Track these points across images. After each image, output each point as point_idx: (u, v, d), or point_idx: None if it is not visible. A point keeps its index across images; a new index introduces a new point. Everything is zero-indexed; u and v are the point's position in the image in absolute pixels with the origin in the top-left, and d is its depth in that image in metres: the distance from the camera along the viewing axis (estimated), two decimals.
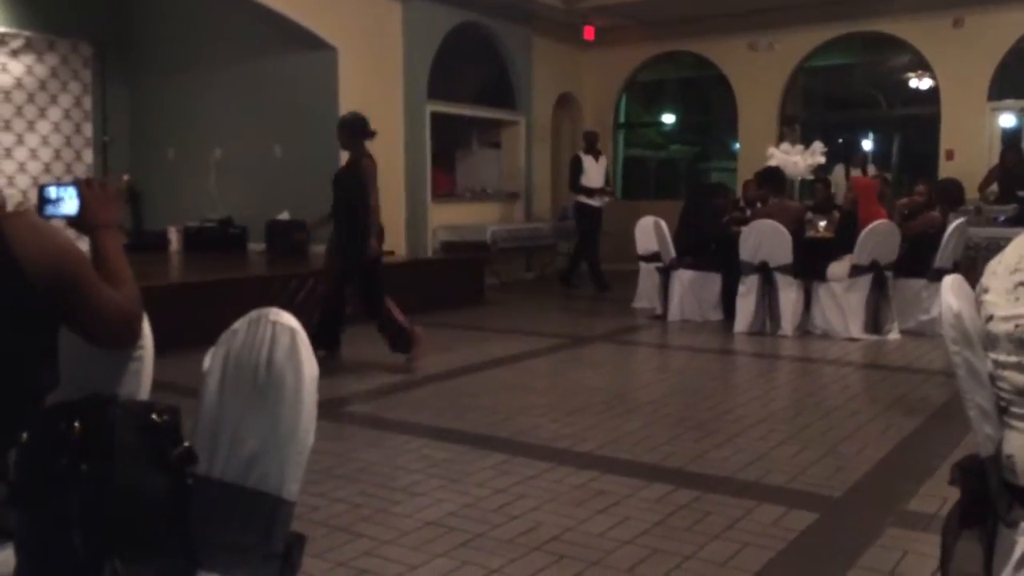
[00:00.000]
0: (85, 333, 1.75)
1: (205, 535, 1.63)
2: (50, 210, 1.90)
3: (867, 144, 13.07)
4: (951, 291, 2.19)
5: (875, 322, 7.22)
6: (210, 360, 1.79)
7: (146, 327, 1.94)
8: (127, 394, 1.93)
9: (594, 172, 10.55)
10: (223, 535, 1.61)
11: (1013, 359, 2.08)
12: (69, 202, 1.89)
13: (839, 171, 10.64)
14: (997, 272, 2.19)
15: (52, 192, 1.90)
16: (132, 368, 1.94)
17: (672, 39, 12.38)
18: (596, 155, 10.64)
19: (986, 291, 2.19)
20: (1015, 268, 2.15)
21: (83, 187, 1.86)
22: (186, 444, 1.58)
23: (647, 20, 12.07)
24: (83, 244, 1.85)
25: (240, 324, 1.77)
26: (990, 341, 2.16)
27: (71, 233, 1.85)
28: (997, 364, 2.14)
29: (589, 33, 12.43)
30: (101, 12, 10.75)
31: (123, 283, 1.82)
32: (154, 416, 1.58)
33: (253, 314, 1.76)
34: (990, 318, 2.14)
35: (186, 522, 1.61)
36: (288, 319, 1.70)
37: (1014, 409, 2.12)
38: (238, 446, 1.67)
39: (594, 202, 10.54)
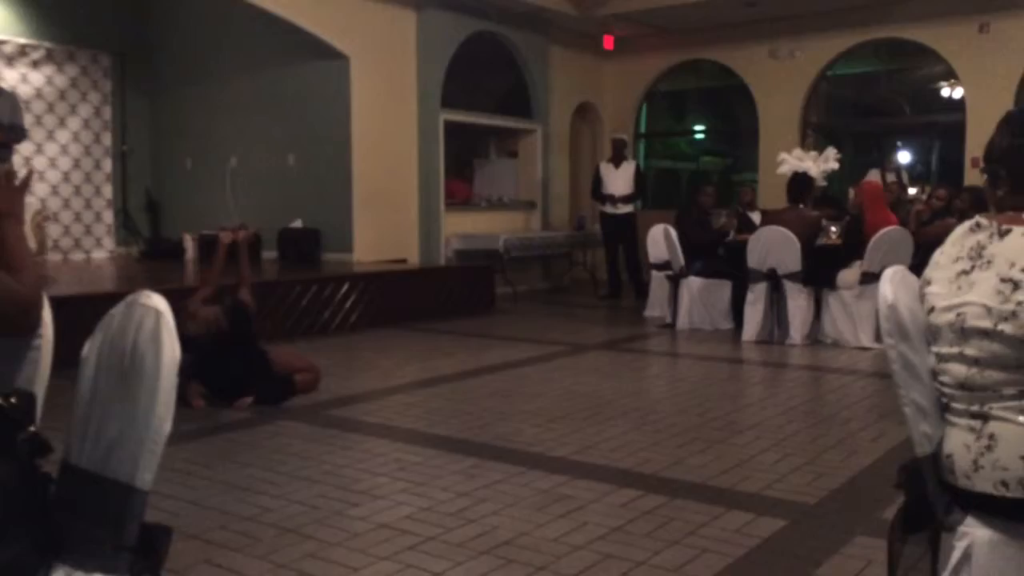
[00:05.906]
0: None
1: (65, 525, 1.57)
2: None
3: (904, 153, 12.79)
4: (889, 282, 2.09)
5: None
6: (88, 346, 1.74)
7: (47, 316, 1.91)
8: (22, 382, 1.89)
9: (613, 180, 10.45)
10: (79, 525, 1.55)
11: (955, 350, 1.98)
12: None
13: (874, 175, 10.41)
14: (940, 263, 2.10)
15: None
16: (30, 357, 1.91)
17: (692, 48, 12.24)
18: (618, 162, 10.53)
19: (929, 283, 2.09)
20: (957, 257, 2.05)
21: None
22: (31, 429, 1.52)
23: (666, 28, 11.95)
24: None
25: (117, 308, 1.72)
26: (932, 334, 2.06)
27: None
28: (939, 357, 2.04)
29: (608, 43, 12.35)
30: (120, 23, 10.90)
31: (22, 270, 1.80)
32: (1, 401, 1.52)
33: (129, 297, 1.71)
34: (932, 310, 2.04)
35: (40, 512, 1.54)
36: (156, 301, 1.64)
37: (955, 405, 2.02)
38: (102, 433, 1.61)
39: (608, 210, 10.46)
